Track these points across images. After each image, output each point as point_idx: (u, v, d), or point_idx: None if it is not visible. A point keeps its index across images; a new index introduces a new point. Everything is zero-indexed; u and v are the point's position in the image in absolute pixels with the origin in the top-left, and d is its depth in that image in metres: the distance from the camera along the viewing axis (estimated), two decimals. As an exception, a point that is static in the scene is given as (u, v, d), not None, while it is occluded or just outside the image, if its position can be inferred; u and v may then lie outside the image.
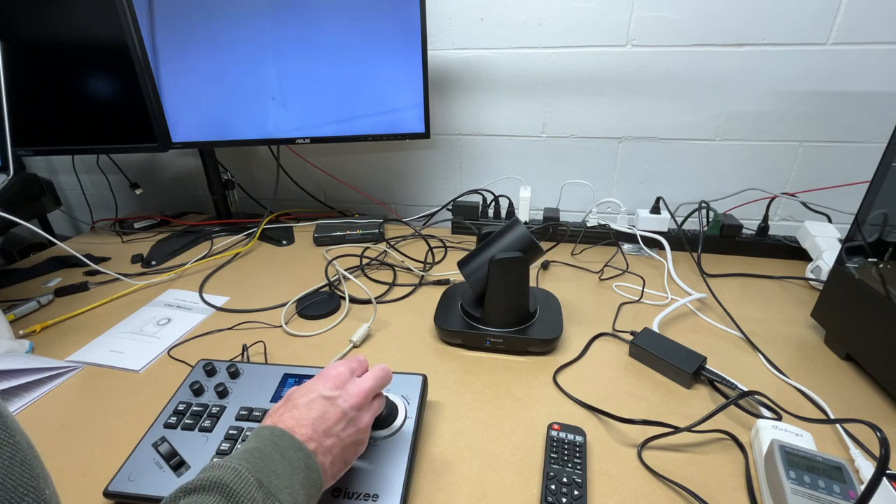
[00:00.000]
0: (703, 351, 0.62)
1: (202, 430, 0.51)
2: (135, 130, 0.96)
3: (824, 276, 0.79)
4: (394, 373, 0.57)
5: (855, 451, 0.50)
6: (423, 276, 0.88)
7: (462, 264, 0.68)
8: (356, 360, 0.47)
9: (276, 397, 0.55)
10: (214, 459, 0.36)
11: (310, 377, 0.57)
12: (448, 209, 1.11)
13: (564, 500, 0.44)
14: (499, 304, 0.65)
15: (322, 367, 0.59)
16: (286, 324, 0.74)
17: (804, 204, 0.94)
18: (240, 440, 0.50)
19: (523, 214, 1.01)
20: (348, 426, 0.40)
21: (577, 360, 0.65)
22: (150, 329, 0.74)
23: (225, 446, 0.49)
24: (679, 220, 0.97)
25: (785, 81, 0.92)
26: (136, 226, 1.15)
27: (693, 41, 0.92)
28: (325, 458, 0.38)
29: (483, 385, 0.61)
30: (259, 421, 0.52)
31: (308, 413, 0.39)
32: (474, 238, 1.00)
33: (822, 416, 0.55)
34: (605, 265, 0.91)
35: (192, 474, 0.46)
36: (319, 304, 0.78)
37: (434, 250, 0.97)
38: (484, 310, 0.66)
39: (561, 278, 0.88)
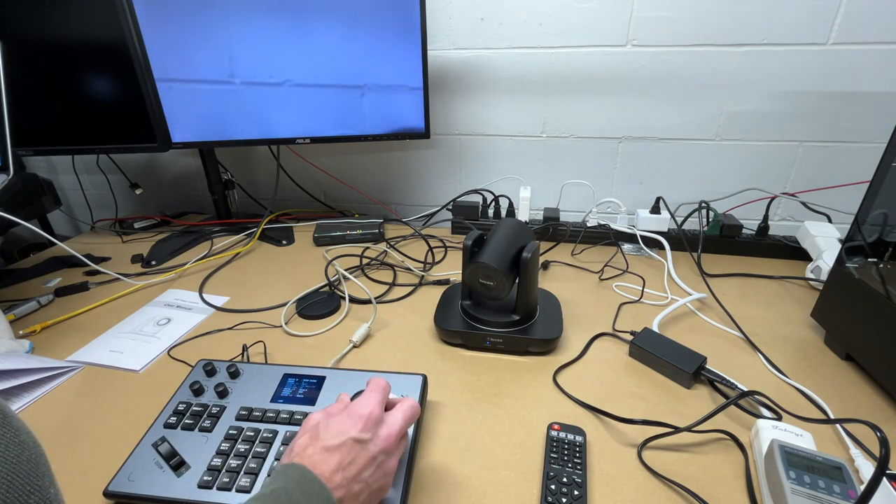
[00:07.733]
0: (703, 351, 0.62)
1: (202, 430, 0.51)
2: (135, 130, 0.96)
3: (824, 276, 0.79)
4: (394, 373, 0.57)
5: (855, 451, 0.50)
6: (423, 276, 0.88)
7: (492, 293, 0.65)
8: (380, 388, 0.44)
9: (276, 397, 0.55)
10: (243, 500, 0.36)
11: (310, 377, 0.57)
12: (448, 209, 1.11)
13: (564, 500, 0.44)
14: (533, 294, 0.67)
15: (324, 368, 0.59)
16: (286, 324, 0.74)
17: (804, 204, 0.94)
18: (240, 440, 0.50)
19: (523, 214, 1.01)
20: (376, 471, 0.39)
21: (577, 360, 0.65)
22: (150, 329, 0.74)
23: (225, 446, 0.49)
24: (679, 220, 0.97)
25: (785, 81, 0.92)
26: (136, 226, 1.14)
27: (693, 41, 0.92)
28: None
29: (483, 385, 0.61)
30: (259, 421, 0.52)
31: (339, 457, 0.38)
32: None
33: (822, 416, 0.55)
34: (605, 265, 0.91)
35: (192, 474, 0.47)
36: (319, 304, 0.78)
37: (434, 250, 0.97)
38: (520, 304, 0.66)
39: (561, 278, 0.88)
